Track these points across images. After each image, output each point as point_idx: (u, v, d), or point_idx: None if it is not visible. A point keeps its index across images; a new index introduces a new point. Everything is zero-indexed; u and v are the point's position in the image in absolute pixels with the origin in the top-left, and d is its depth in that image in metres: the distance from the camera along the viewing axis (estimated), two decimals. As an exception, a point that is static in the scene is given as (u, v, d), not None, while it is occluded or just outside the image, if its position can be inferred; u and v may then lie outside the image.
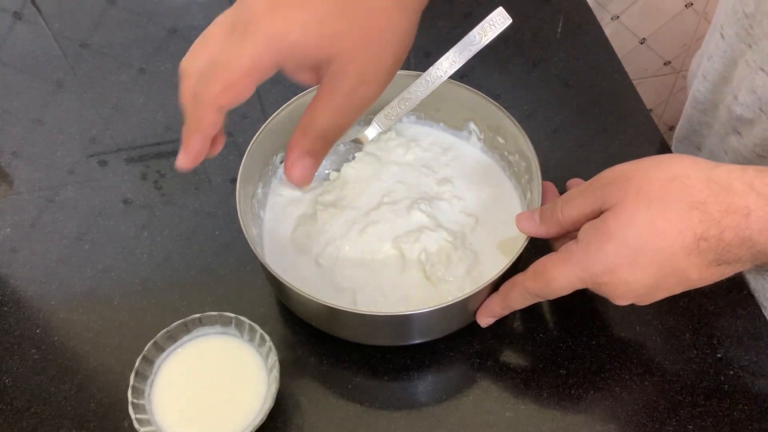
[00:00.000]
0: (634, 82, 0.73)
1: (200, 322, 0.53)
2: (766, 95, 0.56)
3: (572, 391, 0.53)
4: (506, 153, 0.61)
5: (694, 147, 0.71)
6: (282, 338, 0.57)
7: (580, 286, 0.45)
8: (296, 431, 0.52)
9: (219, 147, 0.44)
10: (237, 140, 0.69)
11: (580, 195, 0.46)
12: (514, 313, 0.57)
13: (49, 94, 0.74)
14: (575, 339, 0.56)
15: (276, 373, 0.50)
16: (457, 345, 0.56)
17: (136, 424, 0.48)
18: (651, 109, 1.31)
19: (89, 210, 0.65)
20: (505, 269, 0.49)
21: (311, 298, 0.48)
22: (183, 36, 0.78)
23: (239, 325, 0.52)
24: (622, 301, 0.45)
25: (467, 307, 0.52)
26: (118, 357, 0.56)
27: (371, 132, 0.58)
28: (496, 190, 0.61)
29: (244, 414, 0.50)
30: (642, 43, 1.18)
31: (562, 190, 0.60)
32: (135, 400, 0.49)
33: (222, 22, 0.40)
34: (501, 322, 0.57)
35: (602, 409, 0.53)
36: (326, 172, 0.62)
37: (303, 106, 0.57)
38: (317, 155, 0.43)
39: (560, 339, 0.56)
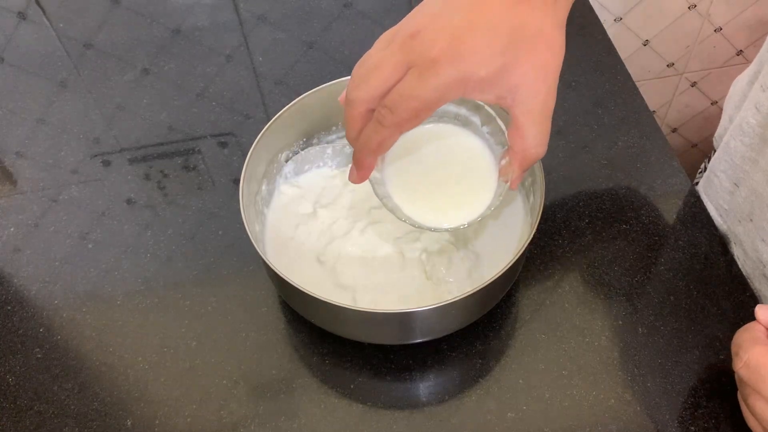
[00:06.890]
0: (637, 83, 0.73)
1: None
2: None
3: (574, 392, 0.53)
4: (510, 155, 0.61)
5: (732, 182, 0.66)
6: (284, 338, 0.57)
7: None
8: (298, 431, 0.53)
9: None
10: (241, 140, 0.69)
11: None
12: (516, 315, 0.58)
13: (53, 94, 0.74)
14: (577, 340, 0.56)
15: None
16: (459, 345, 0.56)
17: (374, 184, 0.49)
18: (654, 111, 1.31)
19: (93, 210, 0.65)
20: (505, 270, 0.49)
21: (312, 294, 0.48)
22: (187, 36, 0.78)
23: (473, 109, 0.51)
24: None
25: (467, 306, 0.52)
26: (120, 356, 0.56)
27: None
28: (499, 191, 0.61)
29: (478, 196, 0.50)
30: (645, 45, 1.18)
31: (564, 191, 0.60)
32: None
33: (391, 53, 0.41)
34: (502, 323, 0.57)
35: (604, 410, 0.53)
36: (331, 171, 0.62)
37: (305, 106, 0.58)
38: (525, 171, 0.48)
39: (562, 340, 0.56)
